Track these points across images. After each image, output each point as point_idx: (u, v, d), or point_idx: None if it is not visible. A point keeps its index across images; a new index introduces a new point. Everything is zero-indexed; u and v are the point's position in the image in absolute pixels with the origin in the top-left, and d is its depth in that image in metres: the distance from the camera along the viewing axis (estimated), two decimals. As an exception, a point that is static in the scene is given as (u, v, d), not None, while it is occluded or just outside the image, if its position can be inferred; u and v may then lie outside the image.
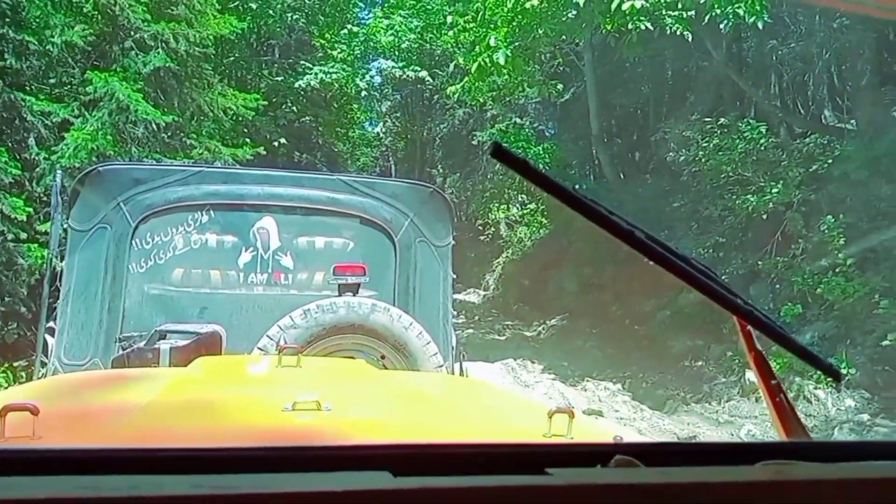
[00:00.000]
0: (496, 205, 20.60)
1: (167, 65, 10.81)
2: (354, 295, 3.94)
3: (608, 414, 9.10)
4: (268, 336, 3.71)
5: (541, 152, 15.89)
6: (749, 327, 0.93)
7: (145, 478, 0.59)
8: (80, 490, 0.56)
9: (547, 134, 19.70)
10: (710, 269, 0.86)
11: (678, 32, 10.08)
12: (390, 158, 25.98)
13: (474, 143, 19.05)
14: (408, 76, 16.64)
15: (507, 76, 12.60)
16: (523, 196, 20.32)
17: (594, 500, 0.64)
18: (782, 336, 0.84)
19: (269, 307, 3.99)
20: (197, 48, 11.21)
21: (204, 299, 4.02)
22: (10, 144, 9.88)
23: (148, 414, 1.61)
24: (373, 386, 1.91)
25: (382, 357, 3.91)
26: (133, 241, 3.98)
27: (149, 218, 4.00)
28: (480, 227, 22.31)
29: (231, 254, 4.07)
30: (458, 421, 1.56)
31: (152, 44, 10.77)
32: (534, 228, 19.96)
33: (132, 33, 10.75)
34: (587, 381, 10.51)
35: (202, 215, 4.04)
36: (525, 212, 20.84)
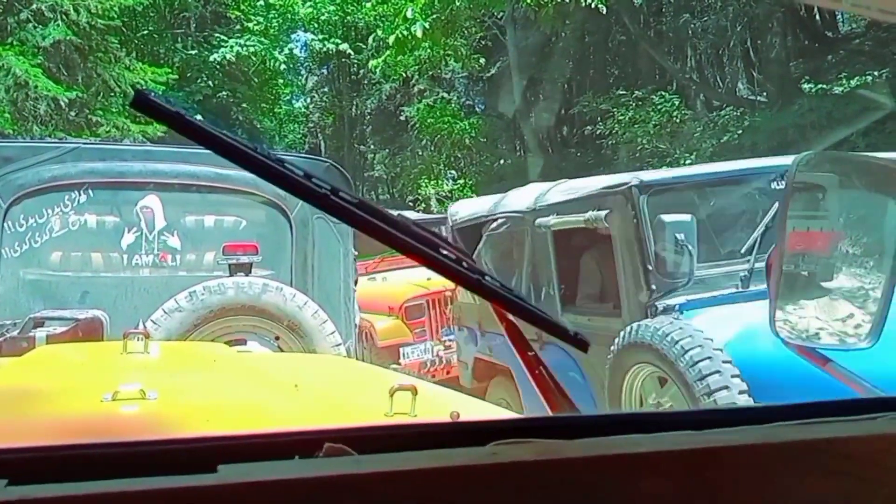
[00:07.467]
0: (426, 180, 20.44)
1: (68, 38, 10.26)
2: (246, 275, 3.79)
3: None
4: (152, 320, 3.54)
5: (467, 127, 15.84)
6: None
7: None
8: None
9: (477, 109, 19.61)
10: (436, 236, 0.80)
11: (593, 6, 10.11)
12: (319, 135, 25.46)
13: (402, 118, 18.82)
14: (329, 49, 16.25)
15: (427, 49, 12.43)
16: (453, 171, 20.25)
17: (266, 498, 0.57)
18: (520, 307, 0.78)
19: (156, 290, 3.82)
20: (100, 20, 10.66)
21: (85, 283, 3.82)
22: None
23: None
24: (216, 370, 1.82)
25: (277, 338, 3.80)
26: (5, 224, 3.76)
27: (21, 199, 3.77)
28: (411, 203, 22.14)
29: (113, 235, 3.88)
30: (291, 404, 1.49)
31: (51, 15, 10.18)
32: (464, 203, 19.90)
33: (28, 4, 10.14)
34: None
35: (80, 195, 3.83)
36: (455, 187, 20.76)
